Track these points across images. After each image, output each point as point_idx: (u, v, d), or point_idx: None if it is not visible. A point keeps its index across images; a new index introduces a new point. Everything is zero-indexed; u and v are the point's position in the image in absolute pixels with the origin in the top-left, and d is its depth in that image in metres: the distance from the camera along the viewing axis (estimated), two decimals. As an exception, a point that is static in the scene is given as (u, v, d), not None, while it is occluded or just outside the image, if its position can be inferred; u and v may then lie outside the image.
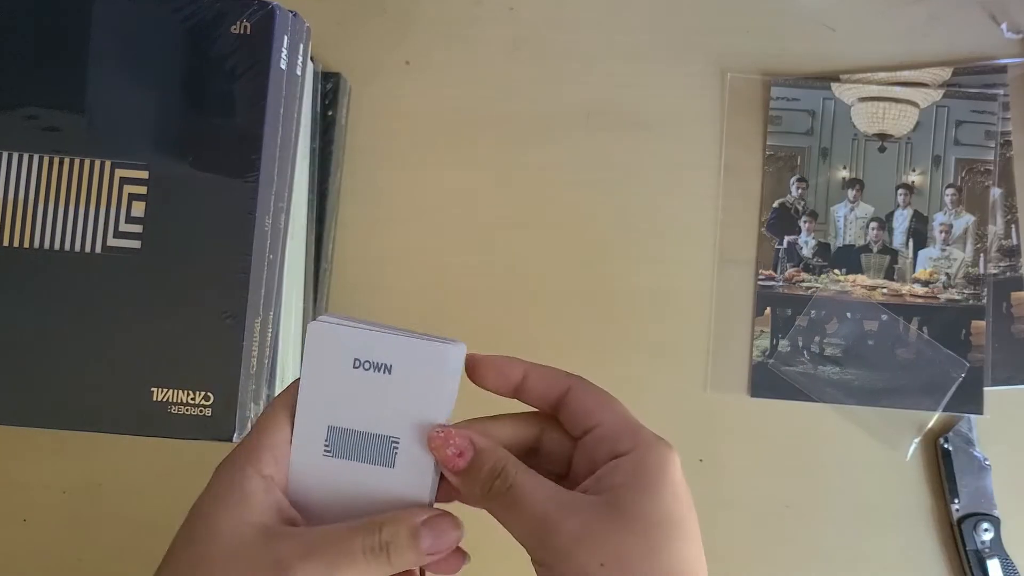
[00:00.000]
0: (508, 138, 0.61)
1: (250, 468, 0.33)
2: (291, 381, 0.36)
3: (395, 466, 0.34)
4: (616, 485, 0.31)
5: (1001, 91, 0.60)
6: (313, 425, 0.34)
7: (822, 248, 0.60)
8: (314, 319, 0.35)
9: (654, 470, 0.31)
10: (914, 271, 0.59)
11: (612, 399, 0.34)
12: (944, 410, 0.58)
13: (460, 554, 0.34)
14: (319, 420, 0.34)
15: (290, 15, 0.49)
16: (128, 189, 0.49)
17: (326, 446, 0.34)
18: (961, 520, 0.57)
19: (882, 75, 0.60)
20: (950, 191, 0.60)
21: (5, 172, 0.50)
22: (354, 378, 0.34)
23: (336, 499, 0.34)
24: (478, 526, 0.34)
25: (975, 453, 0.57)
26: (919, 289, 0.59)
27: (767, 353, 0.59)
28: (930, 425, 0.58)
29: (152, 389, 0.47)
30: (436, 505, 0.34)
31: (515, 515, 0.31)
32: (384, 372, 0.34)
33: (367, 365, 0.34)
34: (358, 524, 0.32)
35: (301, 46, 0.51)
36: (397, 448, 0.34)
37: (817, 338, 0.59)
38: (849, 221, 0.60)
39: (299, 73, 0.51)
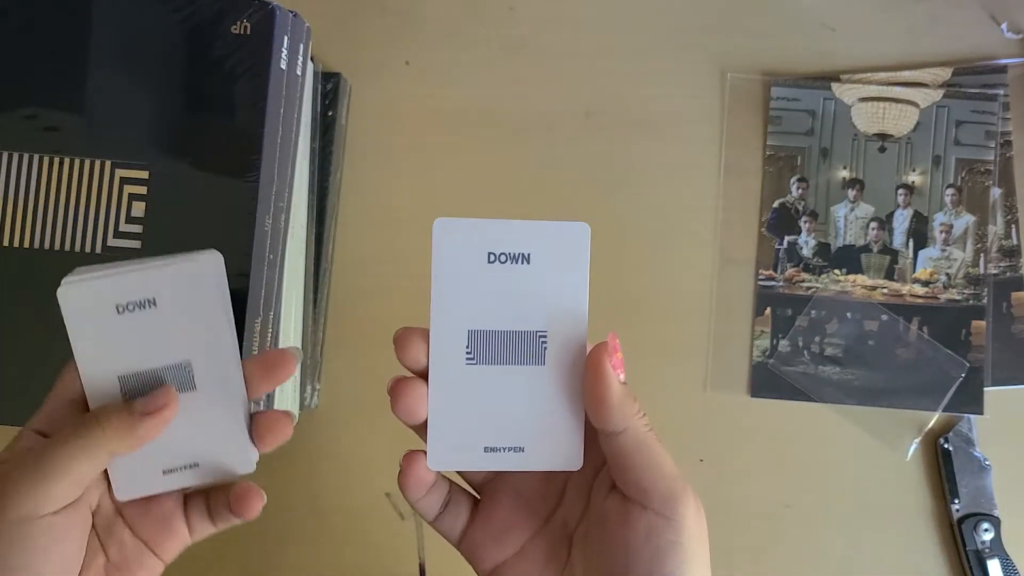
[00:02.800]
0: (508, 138, 0.61)
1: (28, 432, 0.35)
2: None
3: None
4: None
5: (1001, 91, 0.60)
6: None
7: (822, 248, 0.60)
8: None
9: None
10: (914, 271, 0.59)
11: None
12: (944, 410, 0.58)
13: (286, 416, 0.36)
14: None
15: (290, 15, 0.49)
16: (128, 189, 0.49)
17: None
18: (961, 520, 0.57)
19: (882, 75, 0.60)
20: (950, 191, 0.60)
21: (5, 172, 0.49)
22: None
23: None
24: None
25: (975, 453, 0.57)
26: (919, 289, 0.59)
27: (767, 353, 0.59)
28: (930, 425, 0.58)
29: (152, 389, 0.47)
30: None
31: (647, 459, 0.32)
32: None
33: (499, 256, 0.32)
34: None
35: (301, 46, 0.51)
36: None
37: (817, 338, 0.59)
38: (849, 221, 0.60)
39: (299, 73, 0.51)
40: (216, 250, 0.35)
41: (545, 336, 0.33)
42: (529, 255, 0.32)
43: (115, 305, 0.34)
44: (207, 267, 0.34)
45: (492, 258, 0.32)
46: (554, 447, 0.34)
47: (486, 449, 0.33)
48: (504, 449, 0.33)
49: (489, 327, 0.32)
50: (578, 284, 0.33)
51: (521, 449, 0.33)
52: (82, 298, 0.34)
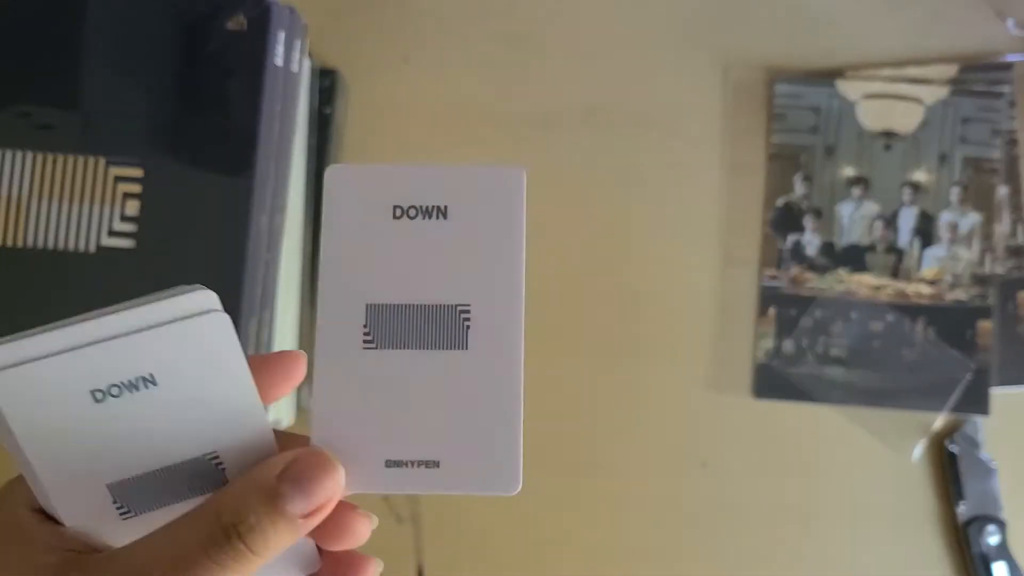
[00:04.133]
0: (507, 135, 0.61)
1: (13, 500, 0.25)
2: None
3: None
4: None
5: (1008, 88, 0.59)
6: None
7: (827, 247, 0.59)
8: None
9: None
10: (920, 270, 0.59)
11: None
12: (950, 411, 0.57)
13: (356, 514, 0.26)
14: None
15: (287, 10, 0.49)
16: (122, 187, 0.49)
17: None
18: (967, 523, 0.56)
19: (887, 72, 0.60)
20: (956, 189, 0.59)
21: (-3, 170, 0.49)
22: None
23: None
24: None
25: (981, 455, 0.57)
26: (925, 289, 0.58)
27: (771, 354, 0.58)
28: (936, 427, 0.58)
29: (146, 391, 0.46)
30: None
31: None
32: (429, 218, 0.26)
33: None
34: (189, 518, 0.23)
35: (297, 42, 0.51)
36: None
37: (822, 339, 0.58)
38: (854, 220, 0.59)
39: (295, 70, 0.51)
40: (205, 287, 0.24)
41: (468, 311, 0.26)
42: (446, 208, 0.26)
43: (90, 391, 0.23)
44: (216, 321, 0.23)
45: (399, 212, 0.25)
46: (482, 461, 0.26)
47: (388, 463, 0.25)
48: (413, 464, 0.25)
49: (394, 300, 0.25)
50: (511, 245, 0.27)
51: (436, 464, 0.26)
52: (30, 387, 0.22)
